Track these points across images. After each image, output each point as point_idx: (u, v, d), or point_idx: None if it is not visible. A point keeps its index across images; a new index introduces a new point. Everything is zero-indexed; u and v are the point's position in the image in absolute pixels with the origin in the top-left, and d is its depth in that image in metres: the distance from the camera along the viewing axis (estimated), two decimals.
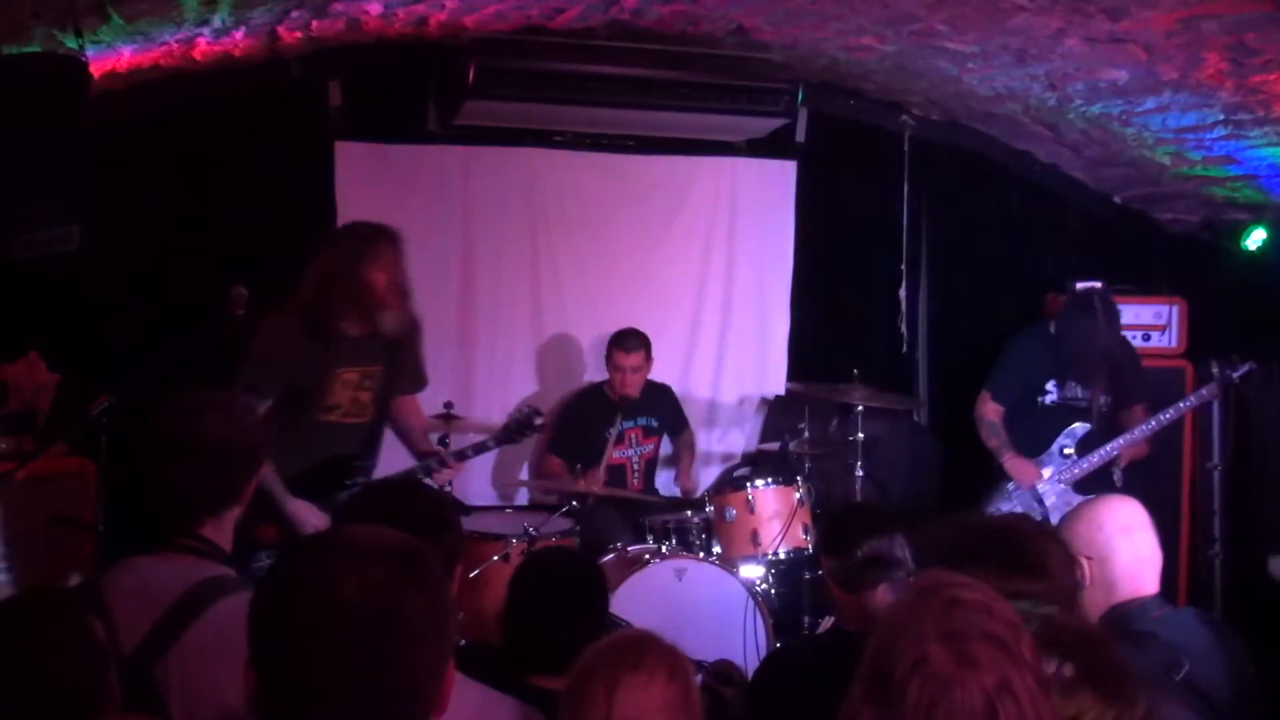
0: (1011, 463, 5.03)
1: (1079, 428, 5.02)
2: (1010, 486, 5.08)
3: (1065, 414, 5.07)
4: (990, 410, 5.15)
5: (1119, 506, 2.77)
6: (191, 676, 2.06)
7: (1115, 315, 5.06)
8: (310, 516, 3.74)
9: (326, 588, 1.32)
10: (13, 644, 1.86)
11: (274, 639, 1.34)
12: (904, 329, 6.10)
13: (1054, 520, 4.44)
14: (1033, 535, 2.14)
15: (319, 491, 3.81)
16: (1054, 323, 5.18)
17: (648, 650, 1.95)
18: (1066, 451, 5.00)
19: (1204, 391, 5.04)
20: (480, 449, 4.27)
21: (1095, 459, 4.95)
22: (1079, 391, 5.07)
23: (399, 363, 4.02)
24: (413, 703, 1.36)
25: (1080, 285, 5.23)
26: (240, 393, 3.74)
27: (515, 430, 4.29)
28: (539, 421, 4.31)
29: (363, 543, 1.39)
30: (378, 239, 3.88)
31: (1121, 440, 4.94)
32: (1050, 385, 5.11)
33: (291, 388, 3.82)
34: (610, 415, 5.22)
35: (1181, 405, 5.02)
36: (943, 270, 6.20)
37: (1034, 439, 5.06)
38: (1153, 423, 4.94)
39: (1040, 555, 2.05)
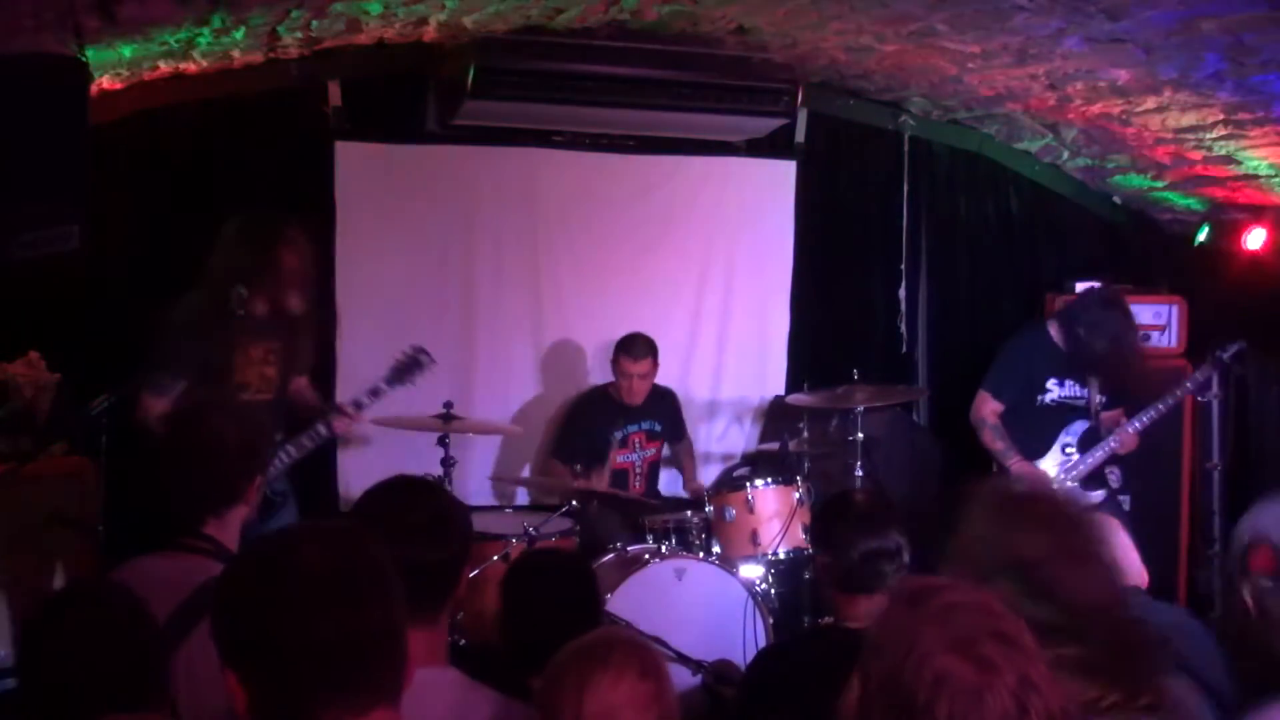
0: (1019, 468, 4.99)
1: (1078, 425, 5.02)
2: None
3: (1063, 413, 5.06)
4: (989, 412, 5.08)
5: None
6: (200, 676, 2.06)
7: (1131, 315, 5.05)
8: None
9: (286, 557, 1.44)
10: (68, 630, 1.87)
11: (246, 622, 1.40)
12: (904, 329, 6.10)
13: None
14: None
15: None
16: (1058, 319, 5.11)
17: (617, 648, 1.96)
18: (1068, 450, 5.00)
19: (1197, 375, 5.06)
20: (375, 393, 4.24)
21: (1099, 455, 4.95)
22: (1078, 390, 5.07)
23: (298, 342, 4.12)
24: (387, 658, 1.44)
25: (1100, 284, 5.22)
26: (151, 372, 3.77)
27: (404, 370, 4.28)
28: (425, 359, 4.31)
29: (302, 529, 1.57)
30: (287, 222, 4.02)
31: (1119, 435, 4.94)
32: (1051, 383, 5.08)
33: (203, 365, 3.86)
34: (615, 418, 5.20)
35: (1178, 392, 5.03)
36: (943, 270, 6.20)
37: (1032, 438, 5.04)
38: (1151, 412, 4.94)
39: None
